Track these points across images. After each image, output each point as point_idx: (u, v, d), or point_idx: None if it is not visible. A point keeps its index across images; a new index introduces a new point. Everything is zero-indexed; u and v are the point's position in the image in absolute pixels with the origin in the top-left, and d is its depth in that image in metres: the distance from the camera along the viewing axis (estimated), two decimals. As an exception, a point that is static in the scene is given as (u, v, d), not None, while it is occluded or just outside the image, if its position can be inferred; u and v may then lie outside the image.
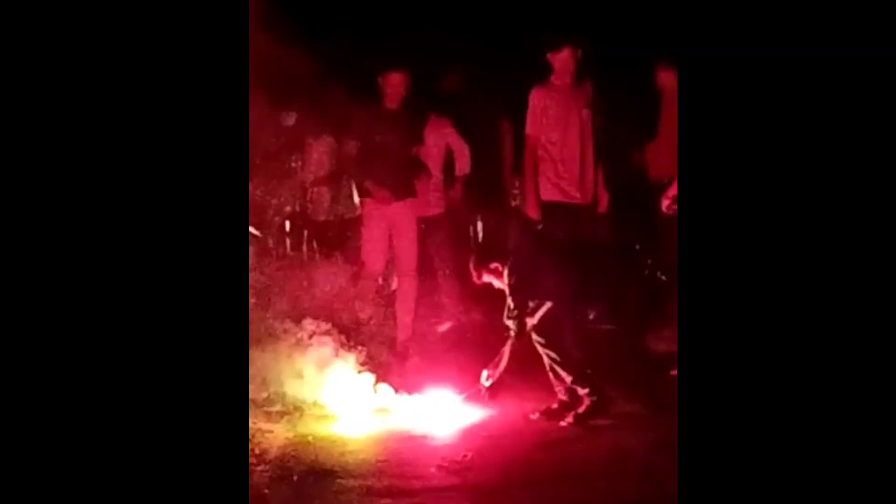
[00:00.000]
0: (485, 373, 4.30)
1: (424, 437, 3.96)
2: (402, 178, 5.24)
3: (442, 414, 4.21)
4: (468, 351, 5.11)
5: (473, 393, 4.30)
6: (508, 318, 4.23)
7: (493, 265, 4.30)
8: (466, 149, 5.64)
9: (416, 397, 4.34)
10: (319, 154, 5.83)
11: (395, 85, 5.20)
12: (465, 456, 3.64)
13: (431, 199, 5.53)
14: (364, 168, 5.30)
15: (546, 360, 4.19)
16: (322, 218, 5.93)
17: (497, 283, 4.33)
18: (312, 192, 5.94)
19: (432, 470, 3.53)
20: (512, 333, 4.22)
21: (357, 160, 5.33)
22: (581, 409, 4.10)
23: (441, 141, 5.57)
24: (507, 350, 4.23)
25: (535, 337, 4.18)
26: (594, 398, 4.10)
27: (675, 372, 4.74)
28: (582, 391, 4.10)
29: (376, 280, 5.37)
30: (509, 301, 4.23)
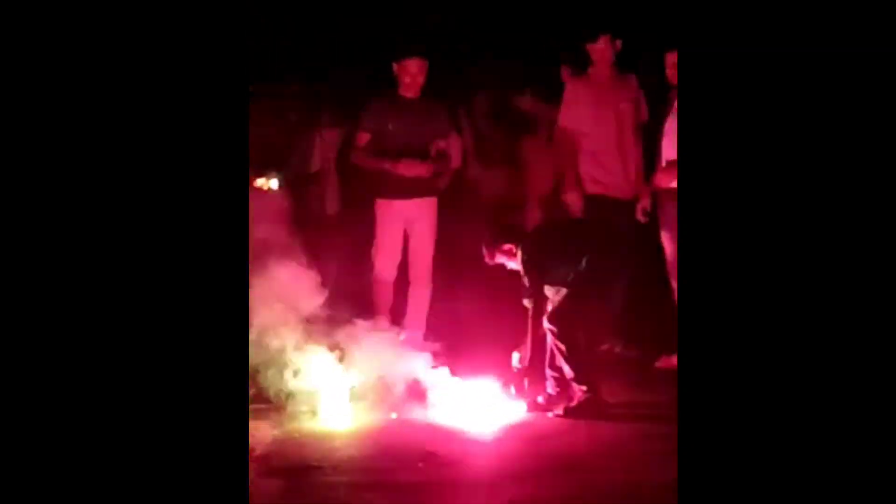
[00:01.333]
0: (516, 355, 4.22)
1: (411, 431, 3.94)
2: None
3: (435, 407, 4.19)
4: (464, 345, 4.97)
5: (509, 379, 4.21)
6: (525, 297, 4.16)
7: (507, 246, 4.21)
8: (459, 142, 5.53)
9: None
10: (308, 149, 5.76)
11: (413, 73, 4.92)
12: (452, 449, 3.63)
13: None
14: (380, 162, 4.96)
15: (553, 350, 4.10)
16: (312, 213, 5.86)
17: (510, 265, 4.24)
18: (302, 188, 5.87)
19: (420, 464, 3.51)
20: (530, 313, 4.13)
21: (371, 153, 5.00)
22: (572, 404, 4.05)
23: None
24: (529, 330, 4.14)
25: (546, 325, 4.09)
26: (588, 396, 4.04)
27: (659, 363, 4.75)
28: (578, 387, 4.05)
29: (388, 285, 5.03)
30: (525, 280, 4.15)
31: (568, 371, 4.07)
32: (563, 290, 4.06)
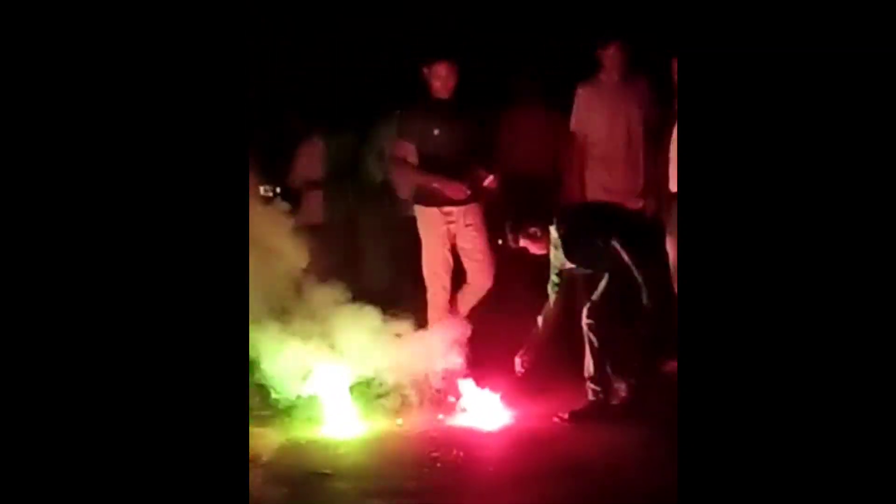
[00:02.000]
0: (518, 360, 4.13)
1: (417, 437, 3.92)
2: (464, 177, 4.65)
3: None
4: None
5: (512, 385, 4.10)
6: (552, 287, 4.01)
7: (532, 229, 4.02)
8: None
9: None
10: (310, 156, 5.76)
11: (443, 76, 4.67)
12: (457, 455, 3.61)
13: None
14: (423, 170, 4.72)
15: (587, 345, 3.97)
16: (315, 221, 5.84)
17: (534, 249, 4.08)
18: (305, 195, 5.86)
19: (425, 470, 3.50)
20: (551, 301, 4.00)
21: (416, 166, 4.74)
22: (579, 408, 4.00)
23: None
24: (539, 325, 4.01)
25: (584, 318, 3.95)
26: (598, 399, 3.99)
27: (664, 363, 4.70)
28: (591, 387, 3.98)
29: (441, 294, 4.74)
30: (556, 263, 3.96)
31: (589, 368, 3.97)
32: (605, 280, 3.91)
